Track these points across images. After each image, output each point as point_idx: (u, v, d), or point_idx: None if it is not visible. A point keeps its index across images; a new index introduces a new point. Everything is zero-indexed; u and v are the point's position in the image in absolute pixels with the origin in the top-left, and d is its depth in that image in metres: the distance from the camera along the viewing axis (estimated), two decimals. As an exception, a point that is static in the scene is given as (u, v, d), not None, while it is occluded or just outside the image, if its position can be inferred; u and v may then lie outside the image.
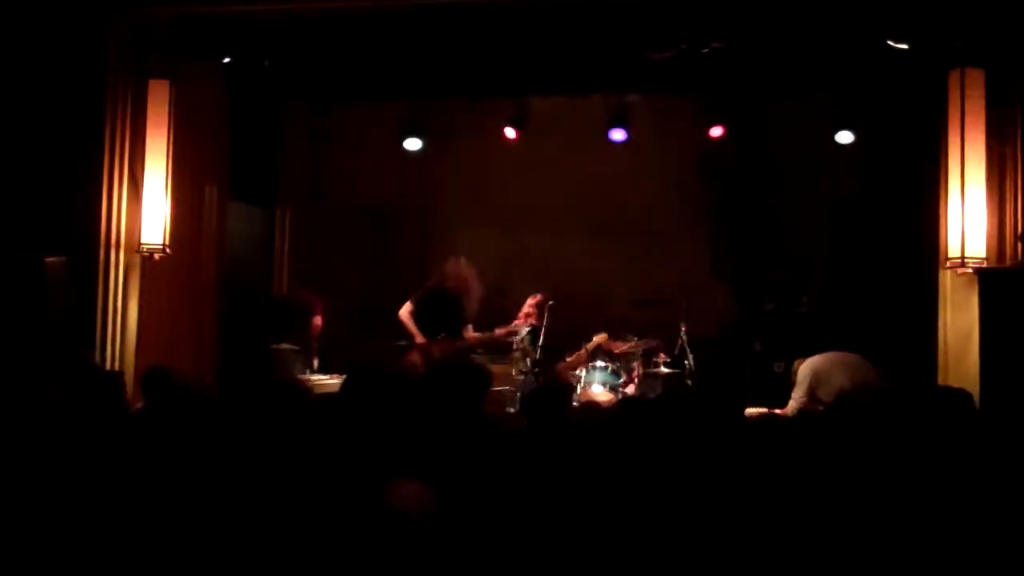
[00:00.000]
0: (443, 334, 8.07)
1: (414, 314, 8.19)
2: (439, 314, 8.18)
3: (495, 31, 7.10)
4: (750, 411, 7.11)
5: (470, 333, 8.35)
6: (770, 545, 2.80)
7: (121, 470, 3.16)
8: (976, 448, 3.33)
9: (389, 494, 2.85)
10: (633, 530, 2.82)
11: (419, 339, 8.15)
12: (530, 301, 8.51)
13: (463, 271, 8.24)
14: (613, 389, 8.16)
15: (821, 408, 6.56)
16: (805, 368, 7.03)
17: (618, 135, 8.93)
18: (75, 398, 4.06)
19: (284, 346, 8.21)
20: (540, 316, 8.35)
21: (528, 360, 8.22)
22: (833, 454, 3.35)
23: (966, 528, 2.84)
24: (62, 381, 4.35)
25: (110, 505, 2.94)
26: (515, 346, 8.40)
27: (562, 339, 8.67)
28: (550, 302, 8.57)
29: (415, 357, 8.13)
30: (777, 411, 7.02)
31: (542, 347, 8.49)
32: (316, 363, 8.13)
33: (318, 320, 8.12)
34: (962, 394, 4.17)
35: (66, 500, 2.98)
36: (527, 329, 8.39)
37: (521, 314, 8.57)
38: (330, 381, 7.63)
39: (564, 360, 8.39)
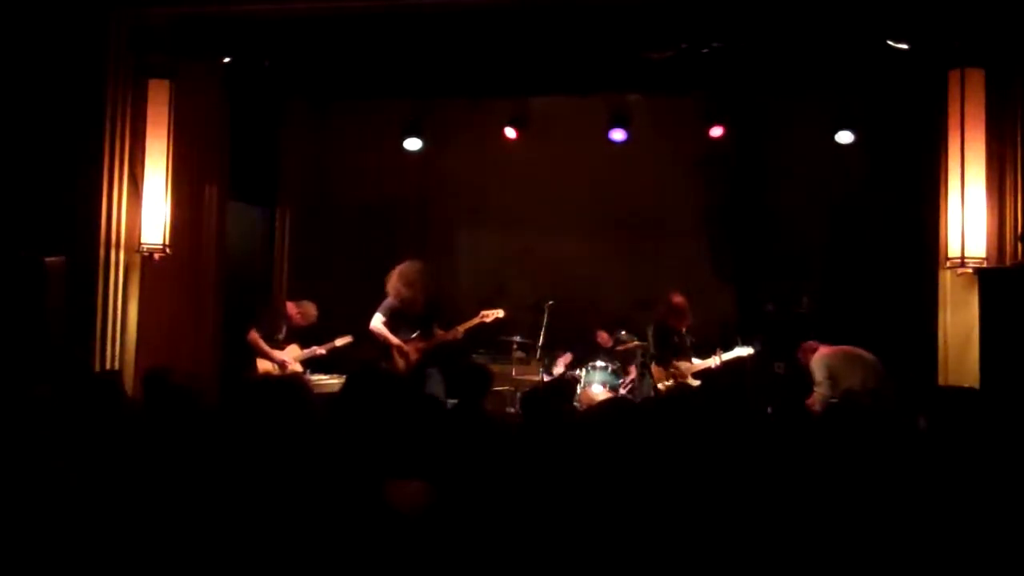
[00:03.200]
0: (416, 334, 8.08)
1: (387, 323, 8.15)
2: (409, 318, 8.16)
3: (495, 31, 7.10)
4: None
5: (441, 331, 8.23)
6: (768, 544, 2.80)
7: (117, 469, 3.15)
8: (979, 447, 3.34)
9: (390, 493, 2.85)
10: (631, 528, 2.82)
11: (394, 343, 8.09)
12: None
13: (412, 274, 8.18)
14: (613, 389, 8.17)
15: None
16: (819, 363, 7.12)
17: (618, 135, 8.94)
18: (70, 397, 4.05)
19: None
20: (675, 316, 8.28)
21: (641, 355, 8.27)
22: (836, 454, 3.35)
23: (968, 526, 2.84)
24: (57, 380, 4.35)
25: (105, 504, 2.94)
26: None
27: (561, 339, 8.68)
28: (550, 302, 8.58)
29: (395, 360, 8.08)
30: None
31: (542, 347, 8.50)
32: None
33: (253, 334, 8.01)
34: (972, 393, 4.18)
35: (56, 499, 2.97)
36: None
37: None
38: (330, 381, 7.64)
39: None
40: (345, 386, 3.82)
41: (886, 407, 3.67)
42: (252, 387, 3.52)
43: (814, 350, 7.35)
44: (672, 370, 7.97)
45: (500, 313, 8.18)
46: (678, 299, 8.17)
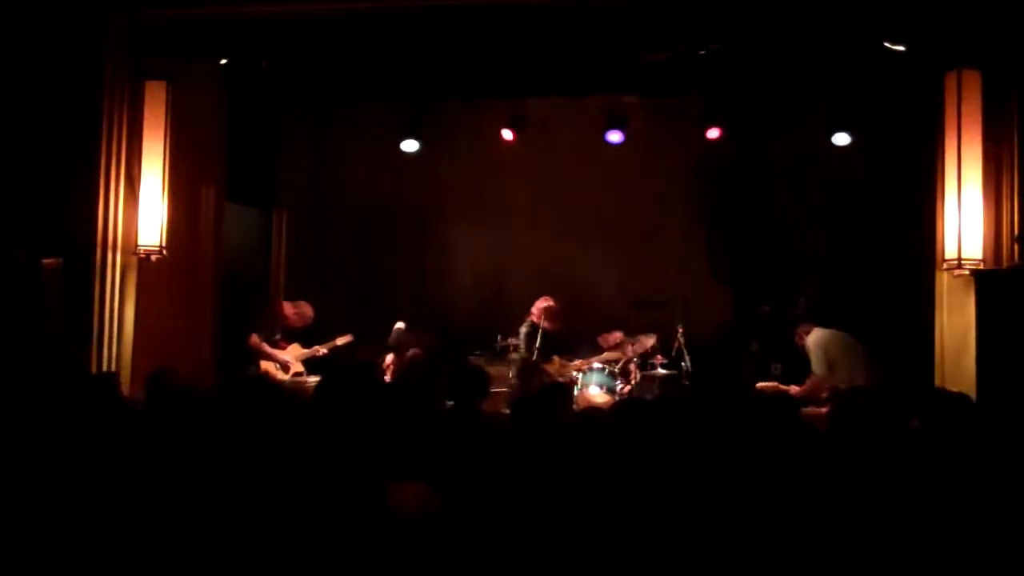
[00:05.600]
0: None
1: None
2: None
3: (493, 33, 7.10)
4: (761, 385, 7.27)
5: None
6: (764, 545, 2.80)
7: (114, 470, 3.15)
8: (975, 448, 3.34)
9: (391, 495, 2.85)
10: (628, 529, 2.82)
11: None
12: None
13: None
14: (611, 391, 8.16)
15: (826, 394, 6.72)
16: (815, 345, 7.13)
17: (615, 137, 8.94)
18: (66, 399, 4.05)
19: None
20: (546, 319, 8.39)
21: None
22: (831, 455, 3.35)
23: (966, 526, 2.85)
24: (53, 382, 4.35)
25: (102, 505, 2.94)
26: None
27: (559, 340, 8.66)
28: (548, 304, 8.57)
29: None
30: (792, 388, 7.13)
31: (539, 349, 8.49)
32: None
33: (254, 338, 8.14)
34: (961, 397, 4.19)
35: (51, 500, 2.97)
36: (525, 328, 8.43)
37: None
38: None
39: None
40: (320, 385, 3.83)
41: (882, 410, 3.67)
42: (236, 388, 3.51)
43: (808, 332, 7.35)
44: (541, 370, 8.03)
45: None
46: (546, 303, 8.36)
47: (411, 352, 8.27)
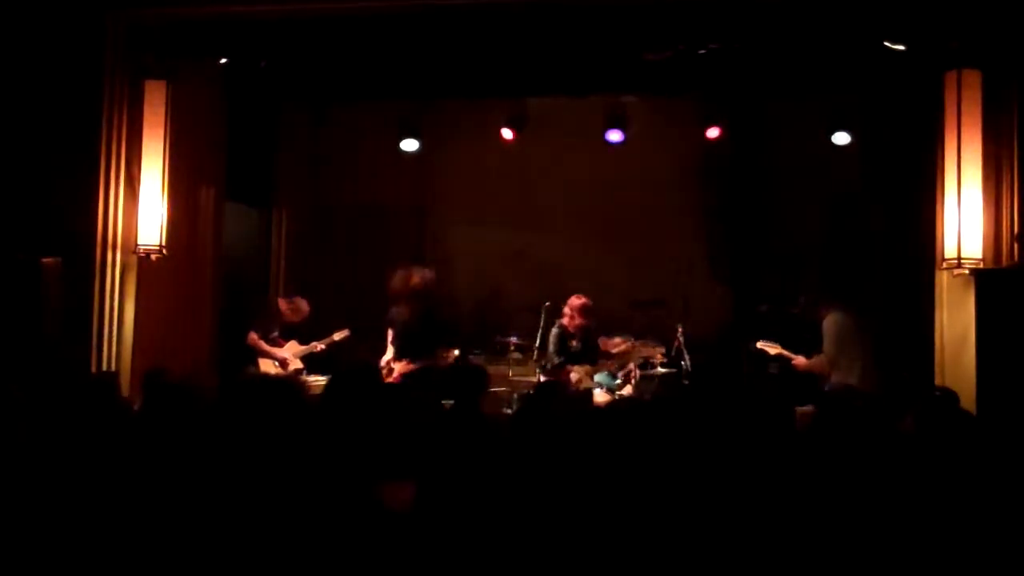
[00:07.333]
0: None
1: None
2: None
3: (492, 32, 7.11)
4: (762, 344, 7.25)
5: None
6: (760, 545, 2.80)
7: (112, 471, 3.15)
8: (971, 447, 3.34)
9: (386, 495, 2.85)
10: (625, 529, 2.82)
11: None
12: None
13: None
14: (610, 390, 8.15)
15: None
16: (832, 325, 7.17)
17: (615, 136, 8.94)
18: (65, 399, 4.05)
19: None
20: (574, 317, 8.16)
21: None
22: (825, 454, 3.35)
23: (965, 525, 2.84)
24: (53, 381, 4.35)
25: (99, 505, 2.94)
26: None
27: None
28: (547, 303, 8.56)
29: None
30: (797, 358, 7.16)
31: (539, 348, 8.48)
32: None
33: (252, 336, 8.13)
34: (948, 394, 4.19)
35: (48, 500, 2.97)
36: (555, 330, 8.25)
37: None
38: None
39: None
40: (328, 386, 3.84)
41: (869, 411, 3.67)
42: (247, 386, 3.52)
43: (829, 311, 7.30)
44: (563, 376, 7.90)
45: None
46: (576, 302, 7.99)
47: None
